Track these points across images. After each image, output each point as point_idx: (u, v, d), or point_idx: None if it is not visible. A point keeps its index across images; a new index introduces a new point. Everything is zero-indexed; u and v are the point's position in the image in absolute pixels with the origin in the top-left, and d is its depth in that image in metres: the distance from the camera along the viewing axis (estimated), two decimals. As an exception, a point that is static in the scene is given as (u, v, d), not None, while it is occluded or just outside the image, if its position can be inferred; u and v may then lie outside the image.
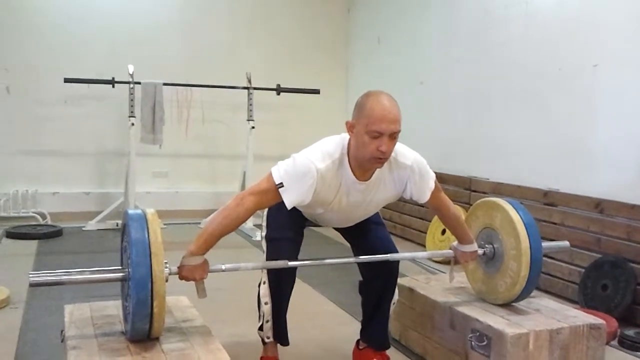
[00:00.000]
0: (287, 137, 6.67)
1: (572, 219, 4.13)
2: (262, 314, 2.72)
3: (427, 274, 4.28)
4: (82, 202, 6.48)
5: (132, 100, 5.89)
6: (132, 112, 5.89)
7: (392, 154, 2.47)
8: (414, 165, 2.55)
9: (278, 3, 7.25)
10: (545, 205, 4.35)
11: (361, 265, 2.84)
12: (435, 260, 5.04)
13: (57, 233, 5.74)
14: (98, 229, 6.02)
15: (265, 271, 2.71)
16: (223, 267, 2.48)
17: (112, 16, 6.55)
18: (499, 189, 4.78)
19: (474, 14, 5.36)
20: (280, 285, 2.69)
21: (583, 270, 3.96)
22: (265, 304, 2.70)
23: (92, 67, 6.14)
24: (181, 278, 2.40)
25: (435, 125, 5.85)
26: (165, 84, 6.06)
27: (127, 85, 5.89)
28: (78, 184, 6.52)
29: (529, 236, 2.71)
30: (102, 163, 6.63)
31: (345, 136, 2.49)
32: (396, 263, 2.80)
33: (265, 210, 2.78)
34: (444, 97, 5.81)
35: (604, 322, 2.79)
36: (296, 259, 2.66)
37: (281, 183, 2.39)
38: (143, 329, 2.18)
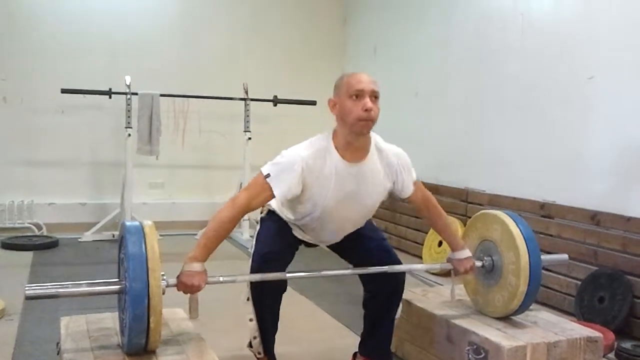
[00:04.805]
0: (283, 148, 6.62)
1: (569, 231, 4.14)
2: (250, 330, 2.71)
3: (424, 287, 4.27)
4: (78, 213, 6.46)
5: (129, 111, 5.89)
6: (128, 122, 5.89)
7: (377, 144, 2.57)
8: (400, 154, 2.66)
9: (275, 15, 7.27)
10: (542, 218, 4.35)
11: (365, 279, 2.81)
12: (433, 272, 5.03)
13: (52, 244, 5.72)
14: (94, 240, 6.00)
15: (248, 288, 2.67)
16: (221, 278, 2.48)
17: (109, 27, 6.56)
18: (496, 201, 4.79)
19: (470, 26, 5.38)
20: (263, 303, 2.66)
21: (580, 282, 3.96)
22: (250, 320, 2.68)
23: (89, 77, 6.14)
24: (179, 285, 2.37)
25: (431, 136, 5.86)
26: (162, 95, 6.06)
27: (124, 96, 5.89)
28: (74, 195, 6.50)
29: (528, 251, 2.70)
30: (98, 174, 6.62)
31: (330, 131, 2.59)
32: (402, 279, 2.79)
33: (257, 228, 2.78)
34: (439, 108, 5.82)
35: (601, 335, 2.78)
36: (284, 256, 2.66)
37: (268, 174, 2.46)
38: (139, 343, 2.18)
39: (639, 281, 3.64)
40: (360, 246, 2.80)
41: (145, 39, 6.71)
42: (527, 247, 2.71)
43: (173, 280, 2.36)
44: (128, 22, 6.66)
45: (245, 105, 6.32)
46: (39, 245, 5.64)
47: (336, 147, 2.52)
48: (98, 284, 2.33)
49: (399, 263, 2.78)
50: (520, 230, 2.75)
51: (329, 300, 4.20)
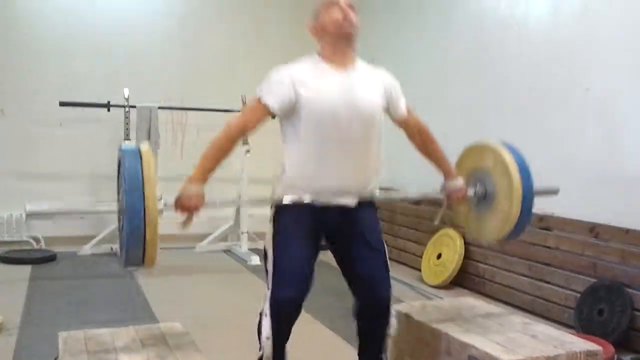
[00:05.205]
0: (282, 161, 6.65)
1: (567, 243, 4.14)
2: (262, 348, 2.59)
3: (423, 300, 4.26)
4: (76, 226, 6.43)
5: (127, 124, 5.90)
6: (127, 135, 5.90)
7: (364, 63, 2.65)
8: (390, 75, 2.76)
9: (274, 25, 7.29)
10: (540, 230, 4.35)
11: (353, 287, 2.75)
12: (431, 285, 5.04)
13: (51, 258, 5.70)
14: (92, 254, 5.99)
15: (267, 301, 2.55)
16: (217, 201, 2.54)
17: (108, 39, 6.58)
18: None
19: (469, 35, 5.40)
20: (284, 321, 2.58)
21: (579, 295, 3.96)
22: (267, 338, 2.56)
23: (88, 89, 6.16)
24: (177, 205, 2.41)
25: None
26: (160, 108, 6.07)
27: (123, 108, 5.90)
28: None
29: (521, 176, 2.72)
30: (97, 187, 6.60)
31: (313, 52, 2.67)
32: (387, 300, 2.71)
33: (269, 236, 2.67)
34: (438, 117, 5.79)
35: (600, 348, 2.77)
36: (305, 297, 2.57)
37: (260, 93, 2.55)
38: (137, 256, 2.24)
39: (638, 293, 3.64)
40: (357, 263, 2.71)
41: (144, 50, 6.73)
42: (519, 172, 2.73)
43: (171, 201, 2.40)
44: (127, 34, 6.68)
45: (244, 118, 6.32)
46: (37, 259, 5.63)
47: (323, 60, 2.62)
48: (99, 205, 2.43)
49: (387, 292, 2.70)
50: (512, 157, 2.78)
51: (329, 315, 4.17)
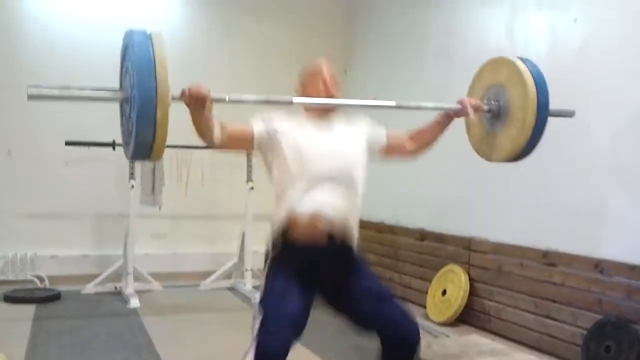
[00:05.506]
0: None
1: (573, 279, 4.12)
2: None
3: (429, 337, 4.23)
4: (80, 265, 6.43)
5: (132, 162, 5.94)
6: (132, 174, 5.93)
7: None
8: (365, 118, 2.86)
9: (278, 65, 7.35)
10: (545, 266, 4.34)
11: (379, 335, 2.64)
12: (437, 322, 5.00)
13: (55, 297, 5.69)
14: (96, 292, 5.98)
15: (251, 352, 2.48)
16: (227, 98, 2.60)
17: (112, 77, 6.64)
18: (499, 249, 4.78)
19: (469, 68, 5.42)
20: None
21: (585, 332, 3.93)
22: None
23: (93, 129, 6.20)
24: (185, 93, 2.55)
25: (434, 184, 5.86)
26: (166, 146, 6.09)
27: (128, 147, 5.93)
28: (77, 247, 6.49)
29: (536, 85, 2.67)
30: (101, 225, 6.62)
31: None
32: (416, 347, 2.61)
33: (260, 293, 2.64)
34: (441, 155, 5.83)
35: (608, 386, 2.75)
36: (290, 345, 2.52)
37: (252, 120, 2.76)
38: (145, 140, 2.17)
39: (645, 330, 3.62)
40: (355, 301, 2.67)
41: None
42: (534, 81, 2.68)
43: (178, 92, 2.41)
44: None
45: (248, 155, 6.36)
46: (41, 298, 5.62)
47: (305, 115, 2.81)
48: (102, 90, 2.37)
49: (416, 326, 2.59)
50: (527, 66, 2.73)
51: (337, 353, 4.12)
